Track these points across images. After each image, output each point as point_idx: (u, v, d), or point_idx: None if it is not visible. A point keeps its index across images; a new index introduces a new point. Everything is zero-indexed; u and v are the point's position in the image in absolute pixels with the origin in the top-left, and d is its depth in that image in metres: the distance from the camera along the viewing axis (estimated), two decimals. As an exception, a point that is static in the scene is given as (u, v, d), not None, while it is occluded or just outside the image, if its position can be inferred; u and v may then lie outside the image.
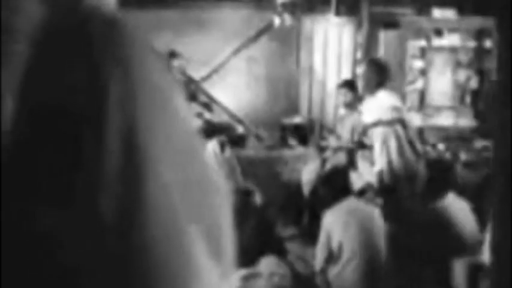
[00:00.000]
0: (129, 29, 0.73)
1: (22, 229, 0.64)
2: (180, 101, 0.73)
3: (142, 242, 0.64)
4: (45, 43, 0.70)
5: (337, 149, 6.14)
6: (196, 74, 7.91)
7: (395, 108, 5.74)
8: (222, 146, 6.17)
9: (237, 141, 6.74)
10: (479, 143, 7.01)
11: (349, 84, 6.41)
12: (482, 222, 4.60)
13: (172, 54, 6.50)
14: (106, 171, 0.64)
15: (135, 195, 0.65)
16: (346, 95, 6.26)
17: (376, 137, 5.78)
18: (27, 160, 0.64)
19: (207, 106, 7.09)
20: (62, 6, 0.71)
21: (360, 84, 6.21)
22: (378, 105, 5.74)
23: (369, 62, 6.18)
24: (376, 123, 5.73)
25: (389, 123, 5.69)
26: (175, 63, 6.45)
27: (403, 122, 5.75)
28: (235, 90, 8.04)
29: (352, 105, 6.24)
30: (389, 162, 5.70)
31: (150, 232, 0.65)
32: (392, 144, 5.68)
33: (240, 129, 7.22)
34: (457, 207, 4.62)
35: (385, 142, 5.70)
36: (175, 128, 0.71)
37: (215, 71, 7.94)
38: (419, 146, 5.93)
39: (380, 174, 5.76)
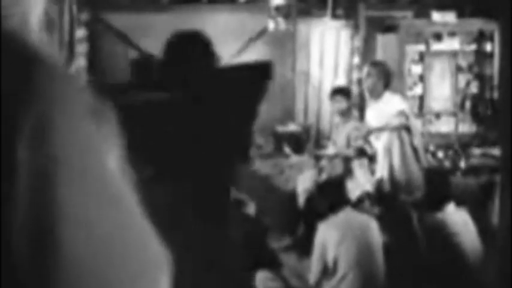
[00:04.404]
0: (43, 56, 0.67)
1: None
2: (97, 132, 0.68)
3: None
4: None
5: (333, 157, 5.97)
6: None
7: (402, 113, 5.58)
8: None
9: None
10: (479, 150, 6.91)
11: (343, 91, 6.15)
12: (483, 233, 4.50)
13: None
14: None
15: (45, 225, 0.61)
16: (340, 103, 6.00)
17: (380, 142, 5.64)
18: None
19: None
20: None
21: (365, 89, 5.97)
22: (385, 109, 5.58)
23: (372, 66, 5.90)
24: (382, 129, 5.58)
25: (395, 128, 5.54)
26: None
27: (409, 128, 5.60)
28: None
29: (347, 113, 6.02)
30: (391, 170, 5.56)
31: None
32: (396, 150, 5.54)
33: None
34: (457, 218, 4.51)
35: (388, 148, 5.56)
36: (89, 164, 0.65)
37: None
38: (423, 154, 5.77)
39: (380, 181, 5.62)
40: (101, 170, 0.66)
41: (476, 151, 6.88)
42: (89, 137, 0.66)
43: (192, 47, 2.88)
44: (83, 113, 0.67)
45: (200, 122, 2.77)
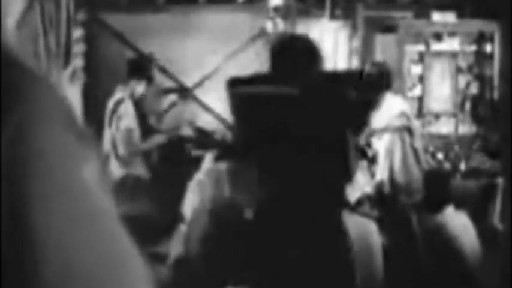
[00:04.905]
0: (21, 64, 0.66)
1: None
2: (80, 142, 0.66)
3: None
4: None
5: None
6: (188, 80, 7.74)
7: (404, 115, 5.54)
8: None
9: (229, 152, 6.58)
10: (479, 151, 6.88)
11: None
12: (483, 235, 4.47)
13: (148, 60, 6.27)
14: None
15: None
16: None
17: (381, 144, 5.59)
18: None
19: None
20: None
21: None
22: (387, 110, 5.54)
23: (372, 66, 5.85)
24: (384, 130, 5.53)
25: (397, 130, 5.49)
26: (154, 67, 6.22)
27: (410, 130, 5.56)
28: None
29: None
30: (392, 172, 5.52)
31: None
32: (397, 152, 5.50)
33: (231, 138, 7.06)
34: (457, 221, 4.48)
35: (390, 150, 5.51)
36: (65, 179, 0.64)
37: (207, 77, 7.76)
38: (423, 156, 5.73)
39: (380, 184, 5.58)
40: (76, 178, 0.65)
41: (483, 158, 6.82)
42: (65, 146, 0.65)
43: (304, 51, 3.04)
44: (61, 122, 0.66)
45: (310, 119, 2.90)
